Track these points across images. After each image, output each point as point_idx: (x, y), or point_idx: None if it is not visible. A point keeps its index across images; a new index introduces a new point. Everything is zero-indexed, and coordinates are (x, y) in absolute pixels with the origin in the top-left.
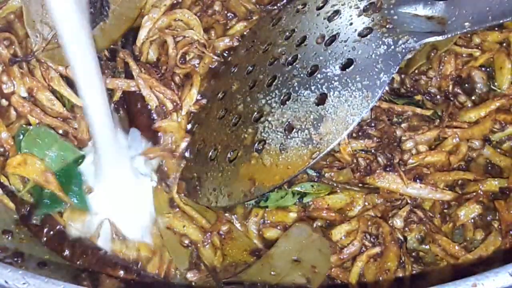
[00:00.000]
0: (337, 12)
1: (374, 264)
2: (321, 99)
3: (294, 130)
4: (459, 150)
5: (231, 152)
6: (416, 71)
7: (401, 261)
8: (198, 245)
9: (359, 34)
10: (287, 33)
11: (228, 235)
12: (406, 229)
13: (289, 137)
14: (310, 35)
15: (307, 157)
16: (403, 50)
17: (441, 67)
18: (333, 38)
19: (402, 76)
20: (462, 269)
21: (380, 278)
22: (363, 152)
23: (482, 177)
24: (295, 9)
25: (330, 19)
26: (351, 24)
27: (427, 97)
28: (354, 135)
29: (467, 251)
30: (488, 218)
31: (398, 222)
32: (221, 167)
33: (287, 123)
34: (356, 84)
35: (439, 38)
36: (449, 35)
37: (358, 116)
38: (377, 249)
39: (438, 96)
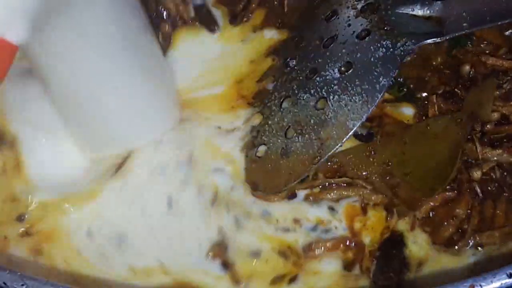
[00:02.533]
0: (335, 13)
1: (445, 208)
2: (321, 103)
3: (295, 134)
4: None
5: None
6: None
7: (468, 212)
8: None
9: (357, 36)
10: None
11: None
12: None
13: (290, 141)
14: (308, 36)
15: (309, 163)
16: (402, 53)
17: None
18: (332, 40)
19: None
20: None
21: (445, 222)
22: None
23: None
24: None
25: (328, 19)
26: (349, 25)
27: None
28: (447, 94)
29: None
30: None
31: (475, 174)
32: None
33: (287, 127)
34: (355, 88)
35: (437, 40)
36: (447, 37)
37: (358, 120)
38: (451, 194)
39: None
